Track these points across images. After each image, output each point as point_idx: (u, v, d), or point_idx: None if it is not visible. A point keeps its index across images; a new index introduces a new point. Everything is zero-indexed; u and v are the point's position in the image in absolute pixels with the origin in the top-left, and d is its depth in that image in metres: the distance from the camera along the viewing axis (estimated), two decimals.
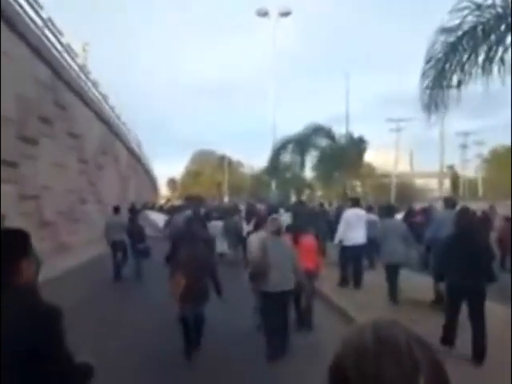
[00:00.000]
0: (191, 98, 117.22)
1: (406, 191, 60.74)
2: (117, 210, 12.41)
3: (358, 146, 22.27)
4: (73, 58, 17.21)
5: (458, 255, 5.47)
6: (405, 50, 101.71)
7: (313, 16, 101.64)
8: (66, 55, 16.41)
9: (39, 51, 13.34)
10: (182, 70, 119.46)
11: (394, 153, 54.22)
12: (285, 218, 11.39)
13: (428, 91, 8.15)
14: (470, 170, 66.20)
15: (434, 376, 0.83)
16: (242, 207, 17.95)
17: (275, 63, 25.78)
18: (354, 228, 9.77)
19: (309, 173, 30.04)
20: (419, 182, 74.43)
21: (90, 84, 20.23)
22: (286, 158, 22.78)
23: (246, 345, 6.24)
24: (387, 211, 9.27)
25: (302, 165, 22.76)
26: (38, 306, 1.97)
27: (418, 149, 77.29)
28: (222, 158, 67.35)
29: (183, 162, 77.55)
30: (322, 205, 18.85)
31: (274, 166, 23.71)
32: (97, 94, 21.63)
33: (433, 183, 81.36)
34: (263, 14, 25.04)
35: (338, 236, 9.92)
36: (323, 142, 21.00)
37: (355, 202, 10.74)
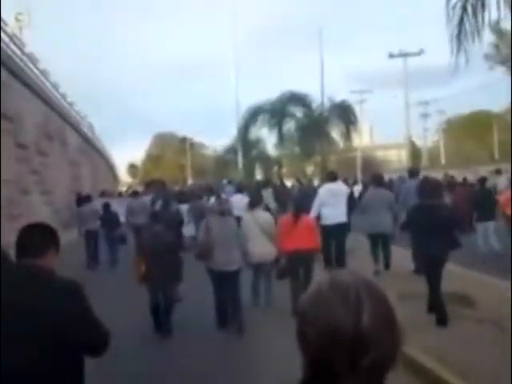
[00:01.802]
0: (150, 79, 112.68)
1: (369, 164, 60.64)
2: (88, 198, 13.23)
3: (343, 113, 19.77)
4: None
5: (423, 225, 5.78)
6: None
7: None
8: None
9: None
10: (140, 49, 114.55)
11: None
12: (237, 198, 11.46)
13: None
14: (429, 140, 66.32)
15: (378, 312, 0.95)
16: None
17: (236, 36, 23.20)
18: (332, 205, 9.11)
19: (271, 149, 28.08)
20: (379, 154, 74.65)
21: (25, 59, 17.69)
22: (255, 131, 20.59)
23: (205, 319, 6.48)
24: (375, 180, 9.37)
25: (280, 137, 20.37)
26: (61, 280, 2.28)
27: (376, 122, 77.08)
28: (184, 140, 65.37)
29: (143, 146, 74.76)
30: (299, 181, 17.27)
31: (243, 140, 21.28)
32: (36, 70, 19.09)
33: (392, 155, 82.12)
34: None
35: (312, 214, 8.80)
36: (298, 111, 18.93)
37: (332, 176, 9.92)
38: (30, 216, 15.89)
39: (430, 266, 5.87)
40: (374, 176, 10.06)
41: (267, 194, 16.59)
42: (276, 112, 18.86)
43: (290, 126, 19.30)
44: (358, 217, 9.89)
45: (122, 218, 13.27)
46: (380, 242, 8.87)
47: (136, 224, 11.71)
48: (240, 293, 6.37)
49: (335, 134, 19.96)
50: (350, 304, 0.94)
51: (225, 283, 6.12)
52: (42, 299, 2.14)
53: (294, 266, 6.75)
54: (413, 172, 9.92)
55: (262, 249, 6.83)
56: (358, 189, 20.14)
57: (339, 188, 9.62)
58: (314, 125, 18.45)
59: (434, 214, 5.71)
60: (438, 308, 5.70)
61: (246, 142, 21.36)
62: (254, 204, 7.52)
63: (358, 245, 10.23)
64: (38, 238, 2.40)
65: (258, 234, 6.86)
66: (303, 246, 6.59)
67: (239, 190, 15.06)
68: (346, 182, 13.19)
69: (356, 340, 0.91)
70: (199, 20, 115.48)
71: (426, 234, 5.68)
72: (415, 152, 63.04)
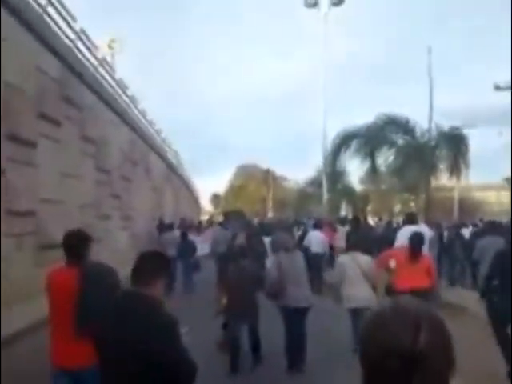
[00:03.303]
0: (237, 109, 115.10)
1: (467, 205, 55.94)
2: (171, 226, 14.56)
3: (453, 142, 16.48)
4: (90, 50, 14.76)
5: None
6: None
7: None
8: (80, 45, 13.97)
9: (43, 38, 10.91)
10: (230, 78, 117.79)
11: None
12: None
13: None
14: None
15: (434, 335, 1.02)
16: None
17: (327, 67, 21.63)
18: None
19: (357, 182, 25.37)
20: (477, 195, 69.12)
21: (114, 84, 17.82)
22: (343, 160, 18.04)
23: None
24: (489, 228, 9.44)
25: (373, 168, 17.60)
26: (165, 314, 2.45)
27: (473, 160, 71.94)
28: (267, 172, 65.25)
29: (228, 177, 75.62)
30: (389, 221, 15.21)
31: (329, 170, 19.18)
32: (124, 96, 19.23)
33: (491, 196, 75.82)
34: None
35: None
36: (398, 137, 16.21)
37: (411, 219, 9.39)
38: (108, 242, 15.53)
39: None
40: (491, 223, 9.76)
41: (343, 232, 15.20)
42: (371, 138, 16.46)
43: (387, 155, 16.75)
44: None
45: (199, 247, 13.76)
46: None
47: (219, 253, 11.67)
48: (306, 330, 6.34)
49: (443, 166, 16.94)
50: (408, 325, 1.02)
51: (297, 320, 6.13)
52: (141, 334, 2.29)
53: None
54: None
55: (364, 293, 6.57)
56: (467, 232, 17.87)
57: (422, 231, 8.52)
58: (418, 155, 15.90)
59: None
60: None
61: (331, 174, 19.64)
62: (350, 247, 7.28)
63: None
64: (150, 265, 2.57)
65: (360, 277, 6.62)
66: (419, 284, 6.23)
67: (317, 226, 14.67)
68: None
69: (411, 358, 0.99)
70: (290, 51, 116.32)
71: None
72: None
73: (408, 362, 0.98)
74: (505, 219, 31.86)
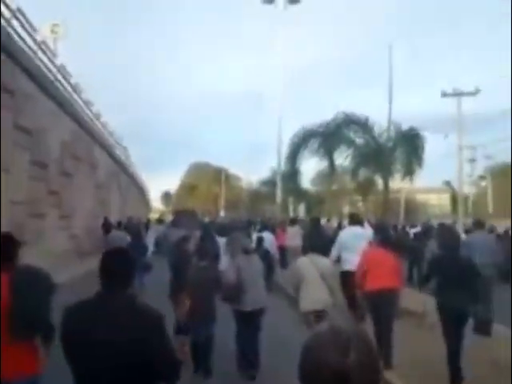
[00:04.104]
0: (193, 109, 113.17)
1: (411, 207, 57.40)
2: (119, 224, 14.20)
3: (411, 141, 15.98)
4: (27, 30, 13.35)
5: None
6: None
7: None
8: (16, 24, 12.57)
9: None
10: (185, 77, 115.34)
11: None
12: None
13: None
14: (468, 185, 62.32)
15: (363, 354, 1.16)
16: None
17: (284, 71, 20.76)
18: (354, 250, 8.46)
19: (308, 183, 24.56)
20: (420, 197, 71.12)
21: (55, 70, 16.39)
22: (301, 160, 17.11)
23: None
24: (477, 225, 9.31)
25: (332, 167, 16.81)
26: (151, 309, 2.49)
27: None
28: (219, 171, 64.48)
29: (179, 175, 74.12)
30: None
31: (285, 170, 18.34)
32: (66, 84, 17.78)
33: (433, 199, 78.25)
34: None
35: (331, 258, 8.59)
36: (357, 136, 15.54)
37: (355, 219, 9.67)
38: (43, 242, 14.20)
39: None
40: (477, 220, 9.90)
41: (293, 232, 14.83)
42: (329, 136, 15.75)
43: (345, 154, 16.09)
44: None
45: (150, 246, 13.21)
46: None
47: (171, 260, 11.13)
48: (260, 334, 6.31)
49: (398, 167, 16.39)
50: (339, 345, 1.16)
51: (251, 322, 6.15)
52: (130, 329, 2.35)
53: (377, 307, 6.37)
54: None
55: (320, 296, 6.31)
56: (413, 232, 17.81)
57: (363, 232, 9.25)
58: (375, 154, 15.35)
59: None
60: None
61: (288, 173, 18.94)
62: (308, 249, 6.87)
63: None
64: (121, 264, 2.59)
65: (317, 280, 6.34)
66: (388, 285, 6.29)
67: (267, 227, 14.46)
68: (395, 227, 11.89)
69: (341, 375, 1.13)
70: (247, 54, 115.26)
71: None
72: (456, 198, 58.82)
73: (339, 378, 1.13)
74: (448, 221, 32.66)
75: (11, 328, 3.17)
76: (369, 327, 6.23)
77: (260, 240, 11.45)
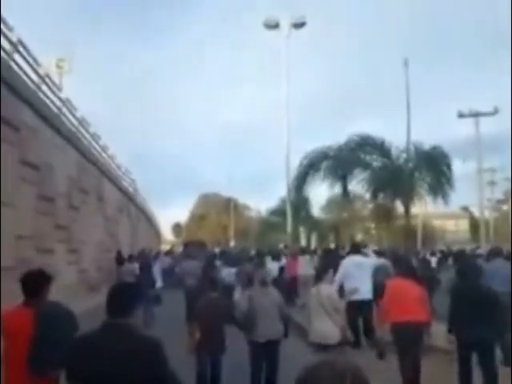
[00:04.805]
0: (201, 140, 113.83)
1: (428, 234, 56.07)
2: (130, 258, 14.39)
3: (436, 161, 14.71)
4: (29, 63, 13.35)
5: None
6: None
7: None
8: (18, 58, 12.56)
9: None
10: (192, 110, 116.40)
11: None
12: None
13: None
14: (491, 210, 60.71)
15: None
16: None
17: (291, 100, 20.41)
18: (356, 279, 8.69)
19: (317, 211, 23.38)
20: (436, 223, 69.78)
21: (59, 103, 16.39)
22: (311, 184, 16.13)
23: None
24: (494, 253, 9.16)
25: (345, 192, 15.88)
26: (149, 338, 2.55)
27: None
28: (228, 201, 64.37)
29: (189, 206, 74.17)
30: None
31: (296, 195, 17.37)
32: (72, 118, 17.77)
33: (450, 224, 76.76)
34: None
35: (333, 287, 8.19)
36: (374, 160, 14.70)
37: (356, 249, 9.78)
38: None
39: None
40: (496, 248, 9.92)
41: (304, 261, 14.30)
42: (343, 160, 14.77)
43: (359, 178, 15.15)
44: None
45: (159, 278, 13.35)
46: None
47: (187, 286, 11.48)
48: (279, 366, 6.14)
49: (423, 190, 15.36)
50: (335, 378, 1.20)
51: (266, 353, 6.05)
52: (128, 358, 2.40)
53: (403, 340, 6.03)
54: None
55: (325, 329, 6.11)
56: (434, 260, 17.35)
57: (365, 261, 9.34)
58: (395, 178, 14.36)
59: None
60: None
61: (297, 200, 18.25)
62: (318, 278, 6.66)
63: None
64: (125, 296, 2.69)
65: (319, 310, 6.20)
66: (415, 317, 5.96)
67: (275, 257, 13.94)
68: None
69: None
70: (252, 85, 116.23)
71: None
72: (475, 223, 57.18)
73: None
74: (468, 248, 31.71)
75: (31, 363, 3.18)
76: (388, 365, 5.82)
77: (282, 269, 11.40)
